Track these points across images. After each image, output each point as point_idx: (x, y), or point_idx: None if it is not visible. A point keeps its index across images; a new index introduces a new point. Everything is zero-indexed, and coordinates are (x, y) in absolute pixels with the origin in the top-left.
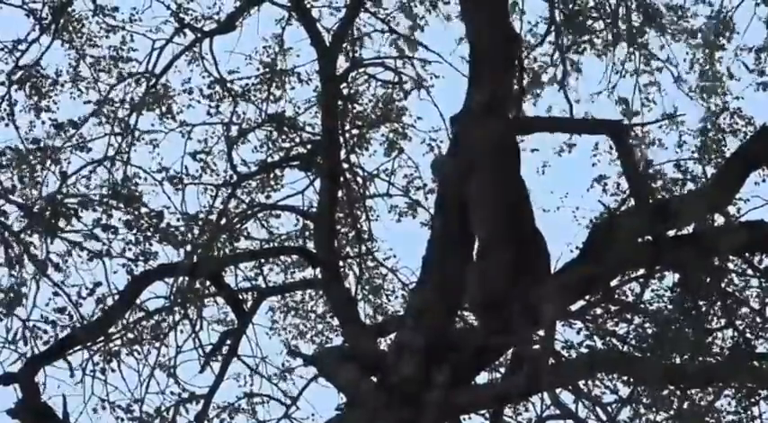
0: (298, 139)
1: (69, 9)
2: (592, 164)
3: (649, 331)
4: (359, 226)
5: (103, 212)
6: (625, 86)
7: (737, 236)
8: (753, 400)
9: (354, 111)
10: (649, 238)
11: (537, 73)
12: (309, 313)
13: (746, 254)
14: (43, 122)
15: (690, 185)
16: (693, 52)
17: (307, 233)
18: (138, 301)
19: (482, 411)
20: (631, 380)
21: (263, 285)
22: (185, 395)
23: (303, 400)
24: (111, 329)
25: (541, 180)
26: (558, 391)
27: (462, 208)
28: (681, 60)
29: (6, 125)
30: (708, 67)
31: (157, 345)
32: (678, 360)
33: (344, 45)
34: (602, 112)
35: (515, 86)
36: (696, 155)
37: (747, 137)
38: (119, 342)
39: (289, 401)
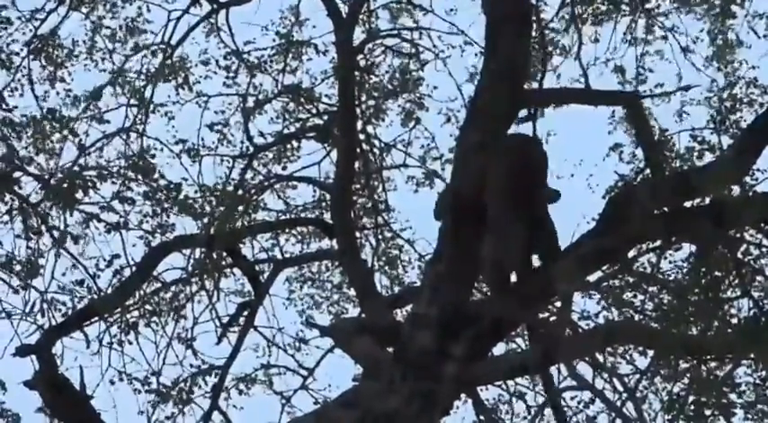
0: (314, 111)
1: None
2: (608, 132)
3: (666, 302)
4: (375, 197)
5: (121, 184)
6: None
7: (754, 207)
8: None
9: (371, 82)
10: (666, 209)
11: (554, 43)
12: (326, 284)
13: (762, 224)
14: (58, 93)
15: (707, 155)
16: (702, 21)
17: (323, 204)
18: (155, 273)
19: (498, 383)
20: (649, 351)
21: (280, 256)
22: (203, 366)
23: (320, 371)
24: (129, 301)
25: (556, 147)
26: (575, 362)
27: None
28: (687, 29)
29: (21, 95)
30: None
31: (175, 316)
32: (695, 331)
33: (361, 17)
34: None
35: (532, 56)
36: (712, 124)
37: (764, 107)
38: (136, 314)
39: (306, 372)
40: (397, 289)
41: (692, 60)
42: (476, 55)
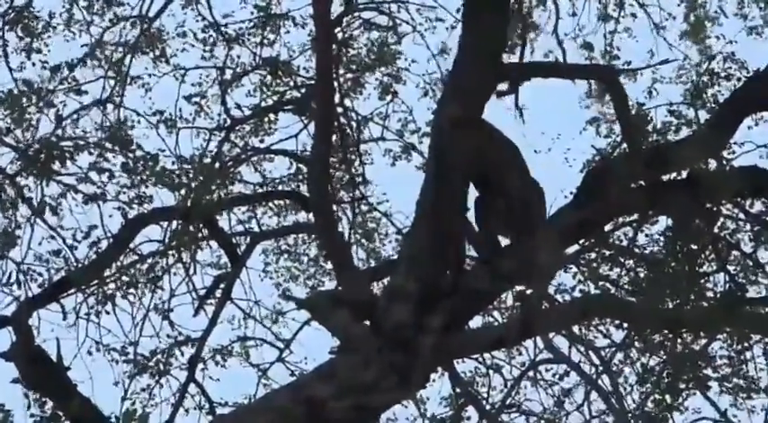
0: (292, 84)
1: None
2: (585, 106)
3: (643, 275)
4: (353, 170)
5: (99, 155)
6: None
7: (731, 181)
8: (745, 344)
9: (349, 55)
10: (643, 182)
11: (530, 16)
12: (302, 257)
13: (739, 199)
14: (34, 64)
15: (683, 129)
16: None
17: (300, 177)
18: (132, 245)
19: (475, 356)
20: (625, 324)
21: (257, 229)
22: (179, 338)
23: (296, 343)
24: (106, 273)
25: (533, 121)
26: (551, 335)
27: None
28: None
29: None
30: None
31: (151, 288)
32: (671, 305)
33: None
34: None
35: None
36: (689, 99)
37: (741, 82)
38: (113, 285)
39: (282, 345)
40: (373, 262)
41: (664, 36)
42: (448, 28)
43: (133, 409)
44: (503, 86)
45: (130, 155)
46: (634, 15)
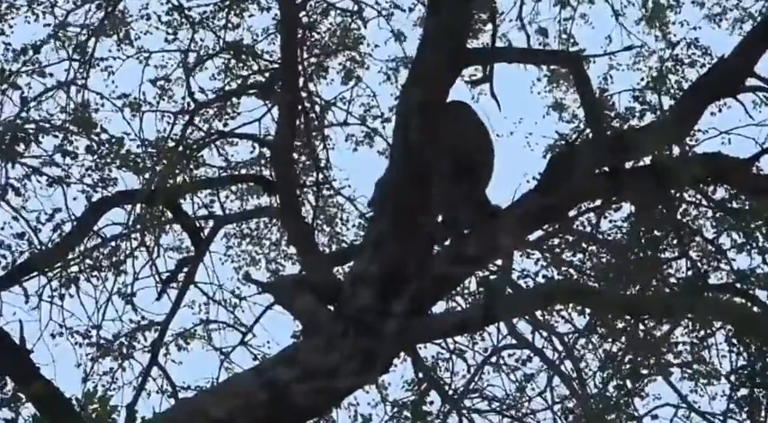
0: (256, 67)
1: None
2: (548, 90)
3: (605, 261)
4: (316, 154)
5: (63, 138)
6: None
7: (694, 167)
8: (707, 331)
9: (313, 39)
10: (606, 168)
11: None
12: (264, 240)
13: (701, 185)
14: None
15: (648, 115)
16: None
17: (264, 161)
18: (95, 228)
19: (438, 340)
20: (587, 310)
21: (220, 213)
22: (142, 322)
23: (259, 327)
24: (69, 255)
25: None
26: (514, 321)
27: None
28: None
29: None
30: None
31: (115, 271)
32: (633, 290)
33: None
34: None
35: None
36: (652, 84)
37: (705, 68)
38: (76, 268)
39: (245, 329)
40: (335, 247)
41: (622, 23)
42: (405, 10)
43: (93, 390)
44: (476, 75)
45: (95, 138)
46: (591, 2)
